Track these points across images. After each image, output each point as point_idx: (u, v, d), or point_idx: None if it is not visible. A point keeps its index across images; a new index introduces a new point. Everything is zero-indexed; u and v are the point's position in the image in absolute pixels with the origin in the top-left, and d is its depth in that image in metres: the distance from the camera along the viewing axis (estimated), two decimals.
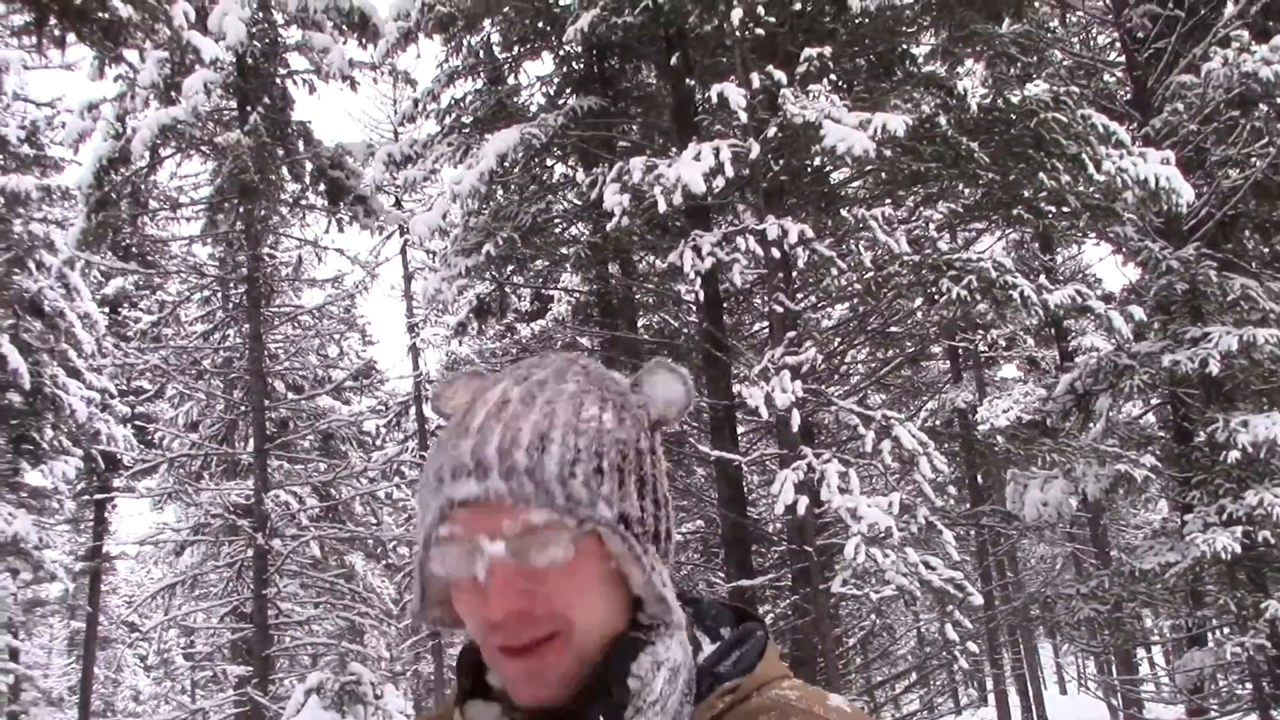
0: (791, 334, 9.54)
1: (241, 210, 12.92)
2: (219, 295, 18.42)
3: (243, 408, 14.59)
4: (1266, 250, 14.12)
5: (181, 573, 15.73)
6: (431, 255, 18.59)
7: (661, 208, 9.15)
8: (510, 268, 12.22)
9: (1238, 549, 10.08)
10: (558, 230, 12.96)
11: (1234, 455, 10.37)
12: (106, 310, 19.30)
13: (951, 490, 17.51)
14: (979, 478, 21.77)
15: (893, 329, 14.99)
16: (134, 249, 19.19)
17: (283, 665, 16.06)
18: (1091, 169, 9.73)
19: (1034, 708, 24.89)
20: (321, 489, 15.79)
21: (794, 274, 10.62)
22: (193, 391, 16.06)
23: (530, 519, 1.03)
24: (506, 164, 11.15)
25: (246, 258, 12.90)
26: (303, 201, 13.70)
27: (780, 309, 9.53)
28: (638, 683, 1.05)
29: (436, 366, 26.38)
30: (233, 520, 13.03)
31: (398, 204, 18.95)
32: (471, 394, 1.13)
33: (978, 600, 8.96)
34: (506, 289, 14.58)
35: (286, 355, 17.22)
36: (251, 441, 13.57)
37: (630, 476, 1.10)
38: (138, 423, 18.28)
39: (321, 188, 13.13)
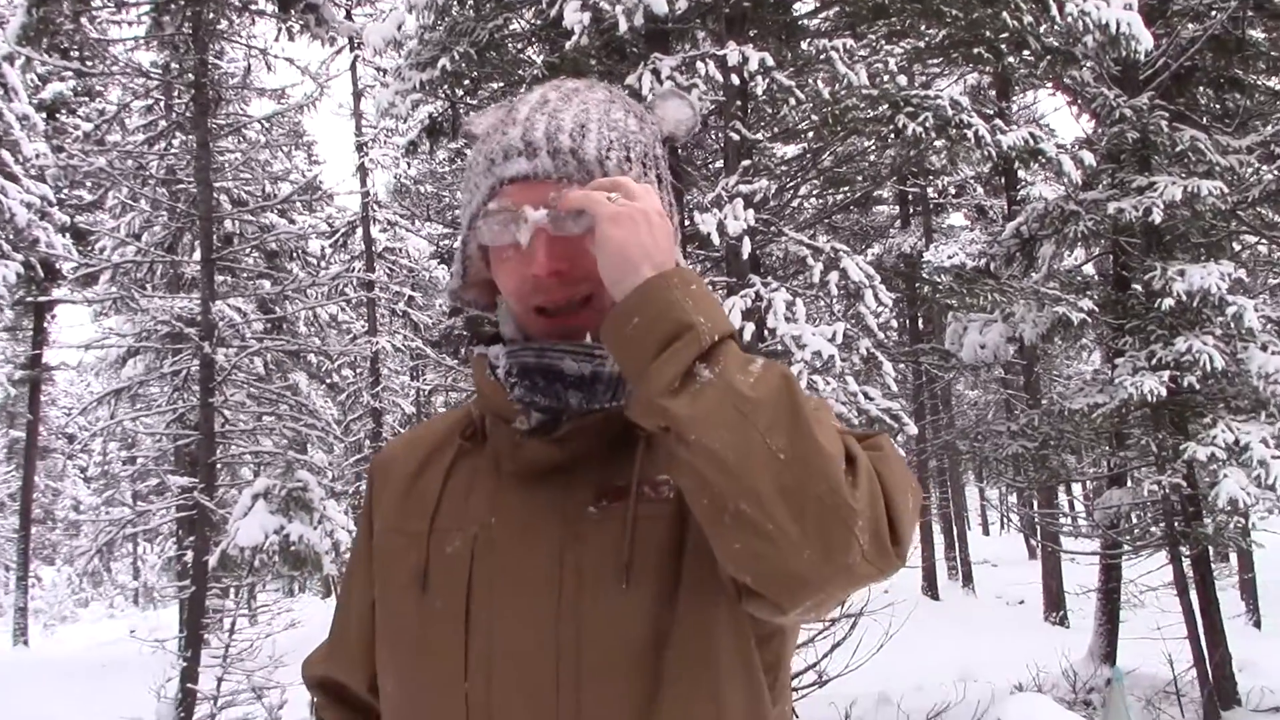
0: (746, 163, 9.56)
1: (189, 13, 12.52)
2: (162, 104, 17.94)
3: (188, 218, 14.39)
4: (1219, 105, 14.22)
5: (129, 379, 15.71)
6: (382, 73, 18.17)
7: (622, 27, 9.03)
8: (465, 84, 12.01)
9: (1163, 392, 10.44)
10: (515, 49, 12.73)
11: (1168, 303, 10.64)
12: (44, 116, 18.75)
13: (894, 328, 17.83)
14: (920, 320, 22.18)
15: (845, 169, 15.02)
16: (73, 51, 18.56)
17: (226, 477, 16.23)
18: (1054, 10, 9.70)
19: (958, 545, 25.91)
20: (267, 303, 15.75)
21: (751, 105, 10.57)
22: (136, 200, 15.77)
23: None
24: None
25: (194, 62, 12.54)
26: (252, 6, 13.30)
27: (736, 136, 9.52)
28: None
29: (385, 187, 26.07)
30: (179, 329, 12.98)
31: (348, 16, 18.42)
32: (498, 115, 1.28)
33: (912, 430, 9.25)
34: (460, 108, 14.36)
35: (232, 168, 16.90)
36: (198, 252, 13.45)
37: (651, 170, 1.27)
38: (80, 228, 17.97)
39: None
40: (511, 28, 12.07)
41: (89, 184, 18.51)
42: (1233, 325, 10.55)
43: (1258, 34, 14.01)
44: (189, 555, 12.17)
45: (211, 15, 12.91)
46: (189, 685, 10.93)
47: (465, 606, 1.21)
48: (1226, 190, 10.97)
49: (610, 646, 1.15)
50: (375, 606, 1.34)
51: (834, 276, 9.23)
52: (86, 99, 20.61)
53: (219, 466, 13.69)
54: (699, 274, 1.07)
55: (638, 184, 1.13)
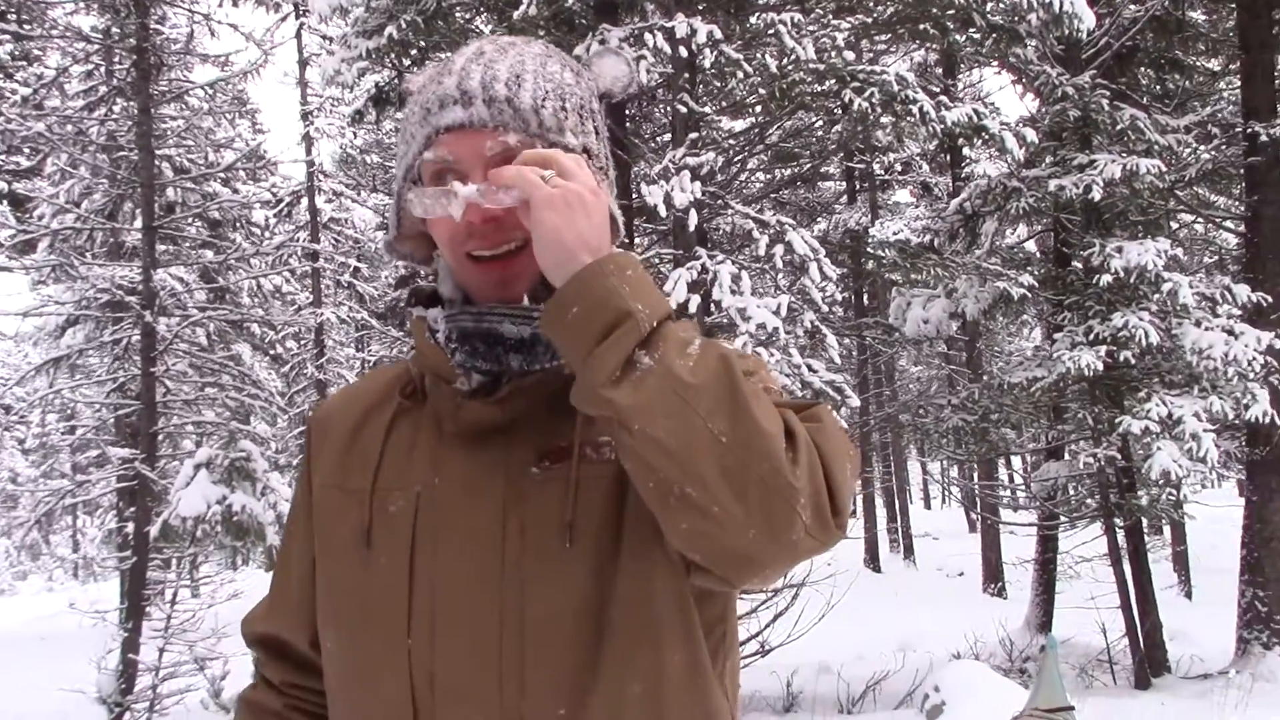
0: (694, 136, 9.58)
1: None
2: (103, 70, 17.61)
3: (130, 185, 14.17)
4: (1159, 86, 14.45)
5: (68, 347, 15.49)
6: (328, 40, 17.95)
7: None
8: (412, 53, 11.91)
9: (1100, 367, 10.63)
10: (463, 19, 12.64)
11: (1106, 279, 10.82)
12: None
13: (838, 302, 17.95)
14: (864, 295, 22.37)
15: (792, 143, 15.10)
16: (10, 15, 18.15)
17: (167, 448, 16.05)
18: None
19: (899, 518, 26.25)
20: (210, 272, 15.57)
21: (699, 78, 10.58)
22: (76, 166, 15.50)
23: (508, 140, 1.18)
24: None
25: (135, 27, 12.32)
26: None
27: (684, 109, 9.53)
28: None
29: (331, 157, 25.80)
30: (120, 297, 12.80)
31: None
32: (435, 69, 1.27)
33: (855, 403, 9.37)
34: (407, 77, 14.25)
35: (174, 135, 16.64)
36: (139, 220, 13.25)
37: (588, 120, 1.27)
38: (17, 194, 17.63)
39: None
40: None
41: (27, 150, 18.16)
42: (1168, 302, 10.75)
43: (1198, 15, 14.24)
44: (130, 526, 12.05)
45: None
46: (130, 657, 10.85)
47: (409, 564, 1.22)
48: (1165, 169, 11.16)
49: (553, 603, 1.17)
50: (316, 563, 1.34)
51: (779, 250, 9.29)
52: (24, 63, 20.22)
53: (160, 437, 13.54)
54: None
55: (570, 158, 1.12)
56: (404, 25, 10.73)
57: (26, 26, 17.35)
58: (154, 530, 10.46)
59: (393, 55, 11.54)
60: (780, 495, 1.02)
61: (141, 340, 12.19)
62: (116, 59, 15.99)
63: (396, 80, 14.17)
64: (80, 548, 34.92)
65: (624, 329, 1.03)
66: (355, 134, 24.02)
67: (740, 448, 1.02)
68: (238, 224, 18.78)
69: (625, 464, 1.09)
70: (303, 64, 20.98)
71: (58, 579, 36.16)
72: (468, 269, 1.23)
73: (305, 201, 21.16)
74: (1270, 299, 11.41)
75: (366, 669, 1.25)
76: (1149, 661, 11.69)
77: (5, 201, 17.44)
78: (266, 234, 20.99)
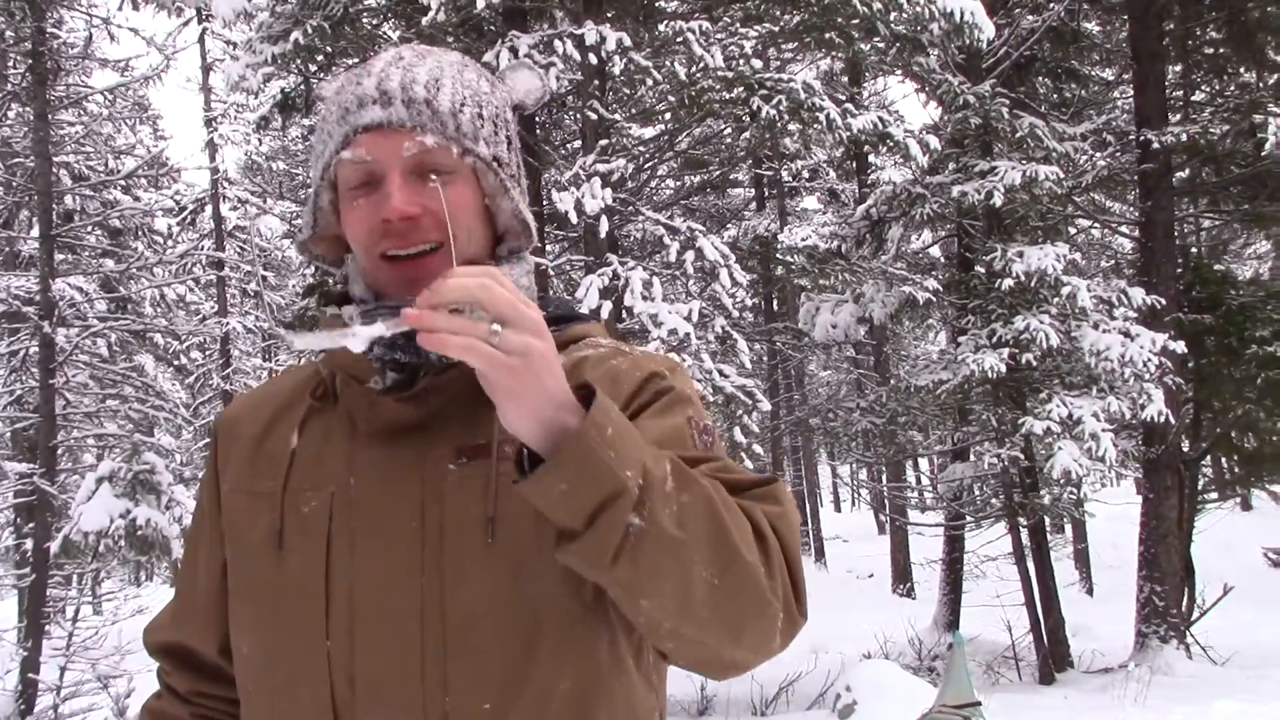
0: (604, 142, 9.61)
1: None
2: None
3: (26, 193, 13.80)
4: (1056, 94, 14.82)
5: None
6: (232, 46, 17.65)
7: (480, 4, 9.01)
8: (319, 59, 11.78)
9: (1003, 369, 10.87)
10: (370, 25, 12.53)
11: (1008, 283, 11.07)
12: None
13: (749, 308, 18.11)
14: (774, 300, 22.58)
15: (702, 150, 15.21)
16: None
17: (67, 462, 15.65)
18: None
19: (810, 521, 26.49)
20: (110, 282, 15.21)
21: (609, 85, 10.62)
22: None
23: (425, 142, 1.19)
24: None
25: (30, 30, 12.01)
26: None
27: (594, 116, 9.56)
28: None
29: (236, 164, 25.34)
30: (16, 308, 12.45)
31: None
32: (351, 74, 1.27)
33: (766, 406, 9.47)
34: (313, 83, 14.07)
35: (73, 141, 16.24)
36: (36, 228, 12.91)
37: (501, 130, 1.27)
38: None
39: None
40: (366, 2, 11.89)
41: None
42: (1068, 305, 11.03)
43: (1092, 26, 14.68)
44: (28, 543, 11.71)
45: None
46: (30, 676, 10.54)
47: (325, 565, 1.21)
48: (1063, 176, 11.46)
49: (475, 600, 1.17)
50: (227, 568, 1.33)
51: (690, 256, 9.35)
52: None
53: (60, 451, 13.19)
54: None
55: (505, 292, 0.99)
56: (310, 30, 10.60)
57: None
58: (54, 546, 10.18)
59: (299, 61, 11.40)
60: (764, 618, 1.09)
61: (40, 351, 11.88)
62: (11, 63, 15.55)
63: (303, 86, 14.01)
64: None
65: (617, 506, 1.00)
66: (261, 140, 23.64)
67: (730, 588, 1.06)
68: (139, 232, 18.33)
69: (612, 596, 1.09)
70: (206, 69, 20.57)
71: None
72: (381, 269, 1.22)
73: (210, 209, 20.72)
74: (1164, 301, 11.78)
75: (284, 672, 1.24)
76: (1052, 657, 11.98)
77: None
78: (170, 242, 20.50)
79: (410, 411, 1.23)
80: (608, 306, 8.97)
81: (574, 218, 8.84)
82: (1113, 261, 17.79)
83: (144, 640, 1.47)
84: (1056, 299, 11.12)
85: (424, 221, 1.19)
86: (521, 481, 1.03)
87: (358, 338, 1.06)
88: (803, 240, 16.69)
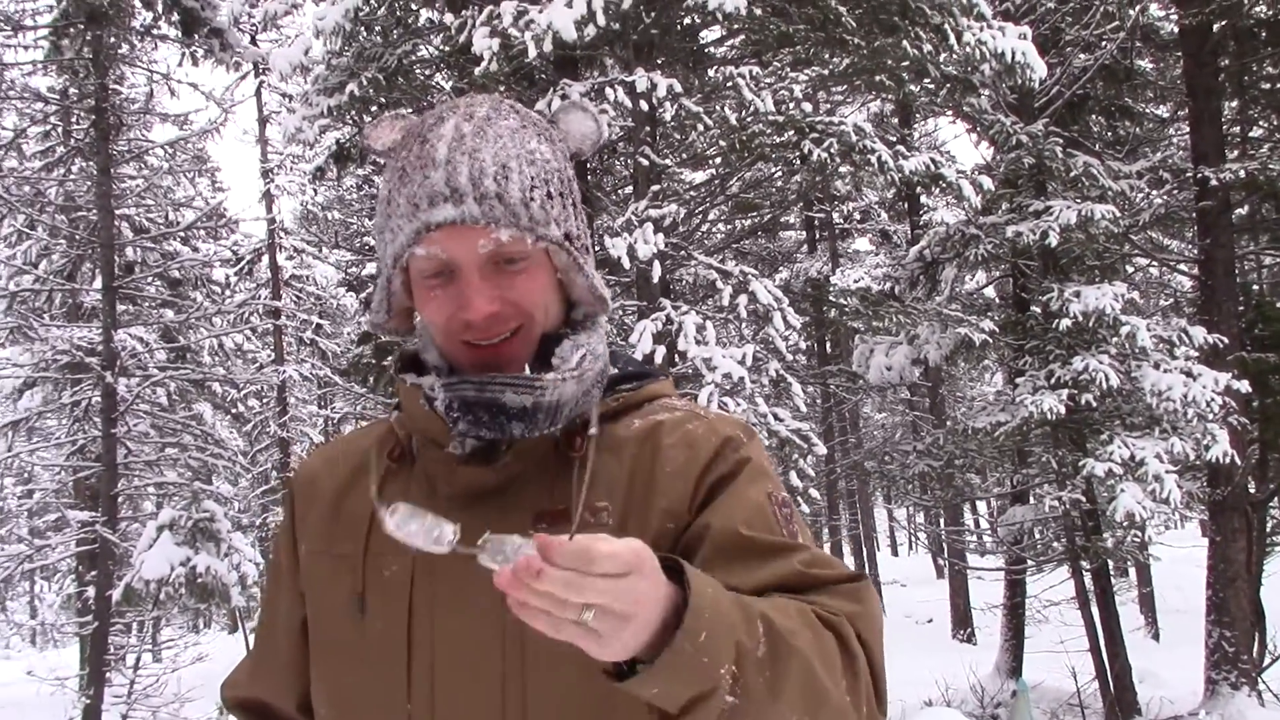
0: (656, 188, 9.65)
1: (89, 37, 12.29)
2: (60, 130, 17.54)
3: (89, 246, 14.08)
4: (1110, 132, 14.71)
5: (26, 410, 15.28)
6: (288, 99, 18.00)
7: (531, 53, 9.07)
8: (373, 109, 11.96)
9: (1062, 410, 10.72)
10: (423, 76, 12.71)
11: (1065, 323, 10.95)
12: None
13: (802, 351, 18.06)
14: (828, 343, 22.52)
15: (752, 194, 15.25)
16: None
17: (127, 510, 15.84)
18: (953, 40, 9.96)
19: (867, 565, 26.20)
20: (170, 332, 15.45)
21: (660, 130, 10.69)
22: (33, 227, 15.39)
23: (500, 237, 1.18)
24: (373, 2, 10.86)
25: (94, 87, 12.30)
26: (154, 31, 13.09)
27: (646, 162, 9.62)
28: (559, 360, 1.23)
29: (291, 214, 25.74)
30: (79, 358, 12.67)
31: (253, 41, 18.23)
32: (403, 131, 1.27)
33: (821, 450, 9.39)
34: (367, 130, 14.29)
35: (134, 195, 16.57)
36: (99, 280, 13.16)
37: (568, 200, 1.27)
38: None
39: (175, 17, 12.54)
40: (420, 54, 12.06)
41: None
42: (1127, 345, 10.88)
43: (1146, 64, 14.56)
44: (90, 591, 11.84)
45: (113, 39, 12.70)
46: None
47: (407, 630, 1.22)
48: (1119, 214, 11.35)
49: (556, 668, 1.16)
50: (306, 625, 1.34)
51: (743, 300, 9.35)
52: None
53: (121, 499, 13.36)
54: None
55: (598, 577, 0.94)
56: (365, 82, 10.78)
57: None
58: (116, 594, 10.29)
59: (354, 112, 11.58)
60: None
61: (102, 401, 12.07)
62: (75, 119, 15.95)
63: (358, 136, 14.22)
64: (38, 614, 34.26)
65: (710, 703, 1.01)
66: (316, 190, 23.98)
67: None
68: (198, 283, 18.63)
69: None
70: (263, 122, 20.98)
71: (15, 646, 35.42)
72: (461, 351, 1.24)
73: (266, 259, 21.06)
74: (1225, 340, 11.58)
75: None
76: (1119, 704, 11.71)
77: None
78: (227, 292, 20.82)
79: (491, 477, 1.24)
80: (661, 351, 8.97)
81: (627, 263, 8.86)
82: (1172, 300, 17.56)
83: (221, 695, 1.47)
84: (1115, 339, 10.97)
85: (504, 313, 1.21)
86: (614, 681, 1.02)
87: (440, 546, 1.04)
88: (855, 282, 16.64)
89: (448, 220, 1.17)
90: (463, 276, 1.19)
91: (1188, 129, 13.73)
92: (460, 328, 1.21)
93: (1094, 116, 14.60)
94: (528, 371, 1.22)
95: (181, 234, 17.12)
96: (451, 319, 1.21)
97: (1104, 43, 12.91)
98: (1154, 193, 13.07)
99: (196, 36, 12.78)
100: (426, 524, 1.03)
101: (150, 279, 16.66)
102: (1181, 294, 17.04)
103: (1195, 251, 13.42)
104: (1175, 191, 13.65)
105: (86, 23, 12.21)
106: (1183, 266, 14.62)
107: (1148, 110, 15.23)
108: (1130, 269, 14.93)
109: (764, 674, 1.03)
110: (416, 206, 1.19)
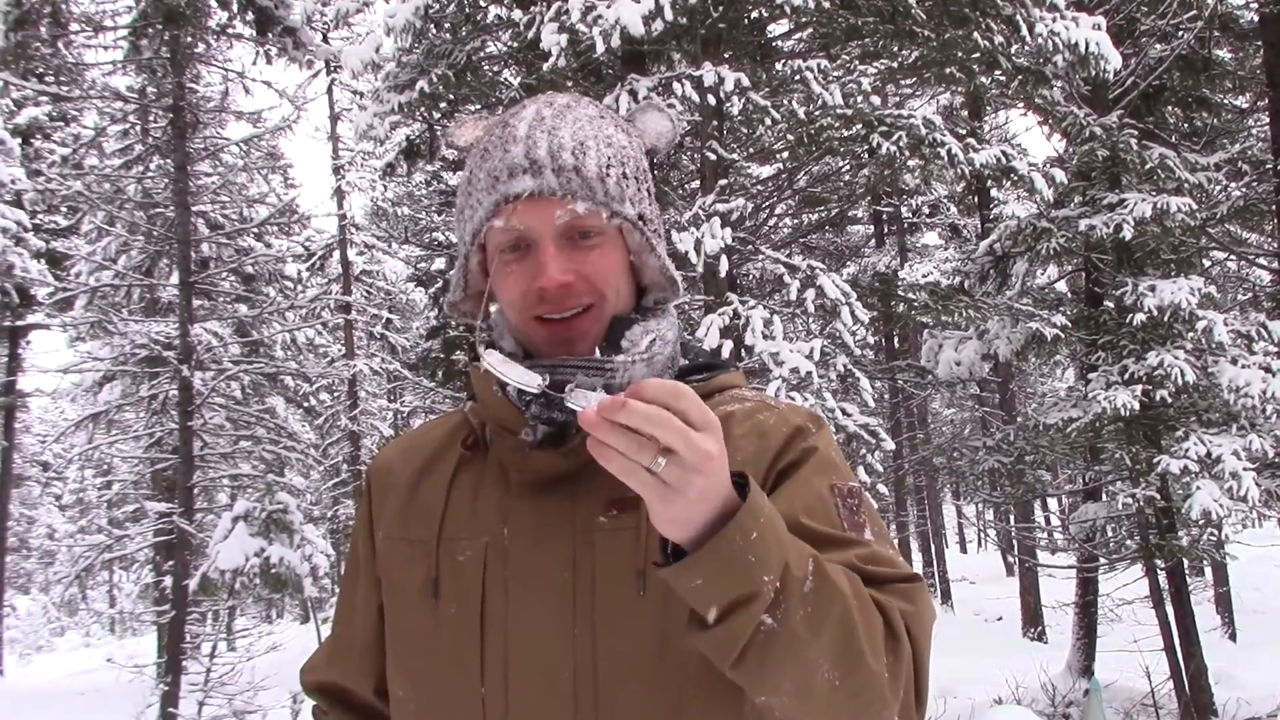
0: (723, 182, 9.64)
1: (166, 37, 12.55)
2: (138, 128, 17.92)
3: (166, 242, 14.37)
4: (1186, 124, 14.43)
5: (106, 403, 15.64)
6: (359, 95, 18.22)
7: (599, 49, 9.10)
8: (443, 106, 12.07)
9: (1136, 406, 10.54)
10: (491, 72, 12.80)
11: (1140, 318, 10.76)
12: (20, 141, 18.68)
13: (870, 345, 17.96)
14: (896, 338, 22.34)
15: (820, 188, 15.16)
16: (49, 76, 18.51)
17: (202, 501, 16.15)
18: (1025, 31, 9.83)
19: (935, 562, 25.98)
20: (244, 326, 15.73)
21: (727, 125, 10.66)
22: (112, 224, 15.74)
23: (576, 209, 1.22)
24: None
25: (171, 86, 12.56)
26: (229, 30, 13.34)
27: (713, 156, 9.61)
28: (629, 343, 1.25)
29: (362, 210, 26.05)
30: (157, 351, 12.94)
31: (325, 39, 18.48)
32: (483, 128, 1.32)
33: (889, 445, 9.34)
34: (437, 130, 14.42)
35: (209, 191, 16.89)
36: (175, 275, 13.43)
37: (643, 185, 1.31)
38: (56, 253, 17.89)
39: (249, 17, 12.77)
40: (488, 50, 12.15)
41: (65, 209, 18.44)
42: (1203, 340, 10.67)
43: (1224, 54, 14.25)
44: (167, 580, 12.11)
45: (189, 39, 12.96)
46: (170, 711, 10.87)
47: (480, 613, 1.24)
48: (1195, 207, 11.11)
49: (627, 651, 1.19)
50: (384, 612, 1.37)
51: (811, 294, 9.31)
52: (62, 124, 20.53)
53: (197, 491, 13.63)
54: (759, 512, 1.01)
55: (680, 422, 0.96)
56: (435, 79, 10.88)
57: (65, 88, 17.68)
58: (193, 584, 10.51)
59: (423, 109, 11.71)
60: (877, 716, 1.10)
61: (179, 394, 12.32)
62: (152, 118, 16.27)
63: (427, 133, 14.37)
64: (117, 603, 35.05)
65: (750, 609, 1.01)
66: (386, 187, 24.27)
67: (851, 690, 1.07)
68: (271, 278, 18.97)
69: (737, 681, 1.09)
70: (334, 119, 21.27)
71: (95, 634, 36.28)
72: (534, 329, 1.26)
73: (337, 254, 21.36)
74: None
75: (440, 717, 1.27)
76: (1195, 705, 11.49)
77: (44, 260, 17.69)
78: (299, 287, 21.17)
79: (562, 463, 1.25)
80: (728, 345, 8.97)
81: (694, 258, 8.86)
82: (1250, 294, 17.18)
83: (300, 679, 1.50)
84: (1191, 334, 10.76)
85: (577, 286, 1.23)
86: (662, 567, 1.04)
87: (531, 385, 1.13)
88: (924, 276, 16.51)
89: (525, 191, 1.22)
90: (540, 247, 1.23)
91: (1267, 120, 13.43)
92: (535, 300, 1.24)
93: (1170, 108, 14.31)
94: (598, 354, 1.25)
95: (255, 230, 17.44)
96: (527, 293, 1.24)
97: (1181, 32, 12.66)
98: (1232, 185, 12.80)
99: (270, 35, 13.01)
100: (520, 369, 1.14)
101: (225, 274, 16.98)
102: (1261, 288, 16.66)
103: (1275, 245, 13.12)
104: (1254, 184, 13.36)
105: (164, 23, 12.48)
106: (1262, 260, 14.30)
107: (1226, 101, 14.90)
108: (1207, 263, 14.64)
109: (805, 608, 1.03)
110: (496, 179, 1.24)
